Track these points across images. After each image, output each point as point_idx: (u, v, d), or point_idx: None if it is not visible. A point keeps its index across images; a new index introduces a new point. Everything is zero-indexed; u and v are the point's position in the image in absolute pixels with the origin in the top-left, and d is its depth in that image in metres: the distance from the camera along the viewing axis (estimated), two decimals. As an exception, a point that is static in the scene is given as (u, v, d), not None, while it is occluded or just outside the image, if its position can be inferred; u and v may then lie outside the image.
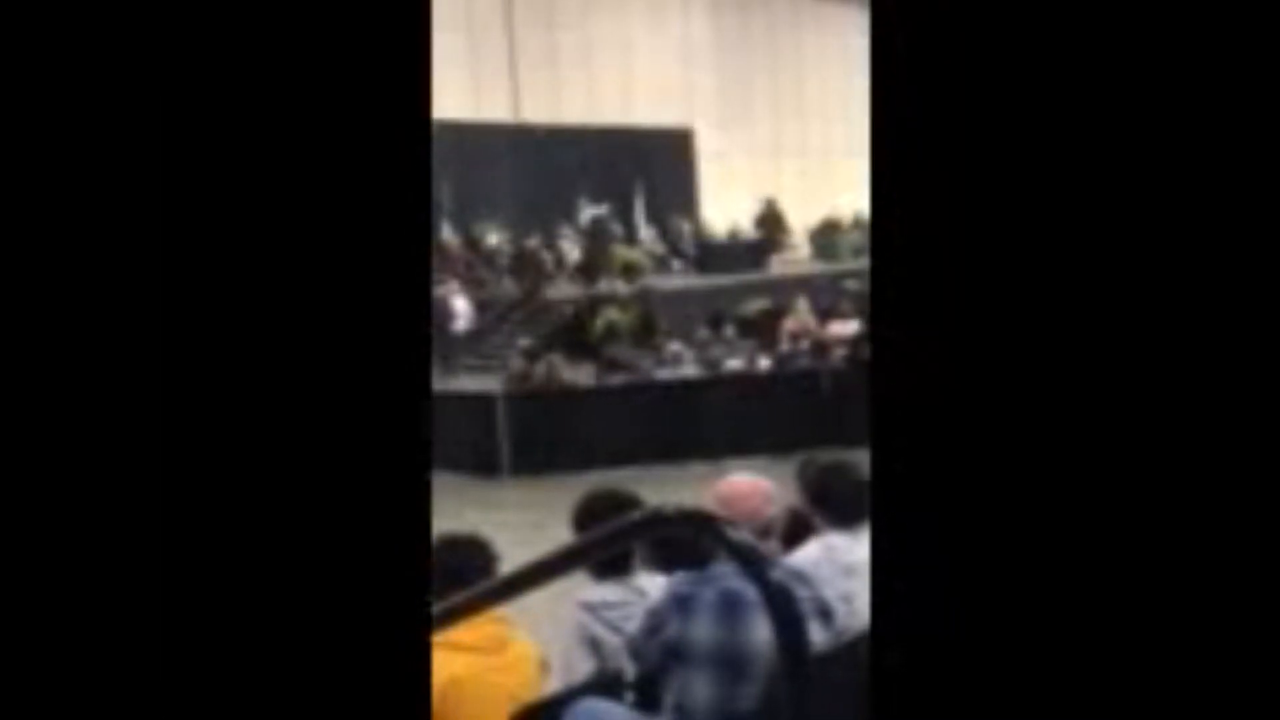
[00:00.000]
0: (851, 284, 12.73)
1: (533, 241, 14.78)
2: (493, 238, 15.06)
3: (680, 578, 2.44)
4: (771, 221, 15.76)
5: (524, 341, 11.51)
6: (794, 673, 1.72)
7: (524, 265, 14.06)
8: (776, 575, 1.68)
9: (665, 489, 4.19)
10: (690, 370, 10.57)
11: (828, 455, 3.30)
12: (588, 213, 15.00)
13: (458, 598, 2.31)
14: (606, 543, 1.90)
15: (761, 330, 11.79)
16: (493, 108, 15.67)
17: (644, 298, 12.92)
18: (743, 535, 1.71)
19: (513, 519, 7.53)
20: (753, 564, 1.67)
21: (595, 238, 14.66)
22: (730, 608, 2.26)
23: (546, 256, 14.68)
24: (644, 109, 17.03)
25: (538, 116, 16.12)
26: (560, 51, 16.47)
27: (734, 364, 10.72)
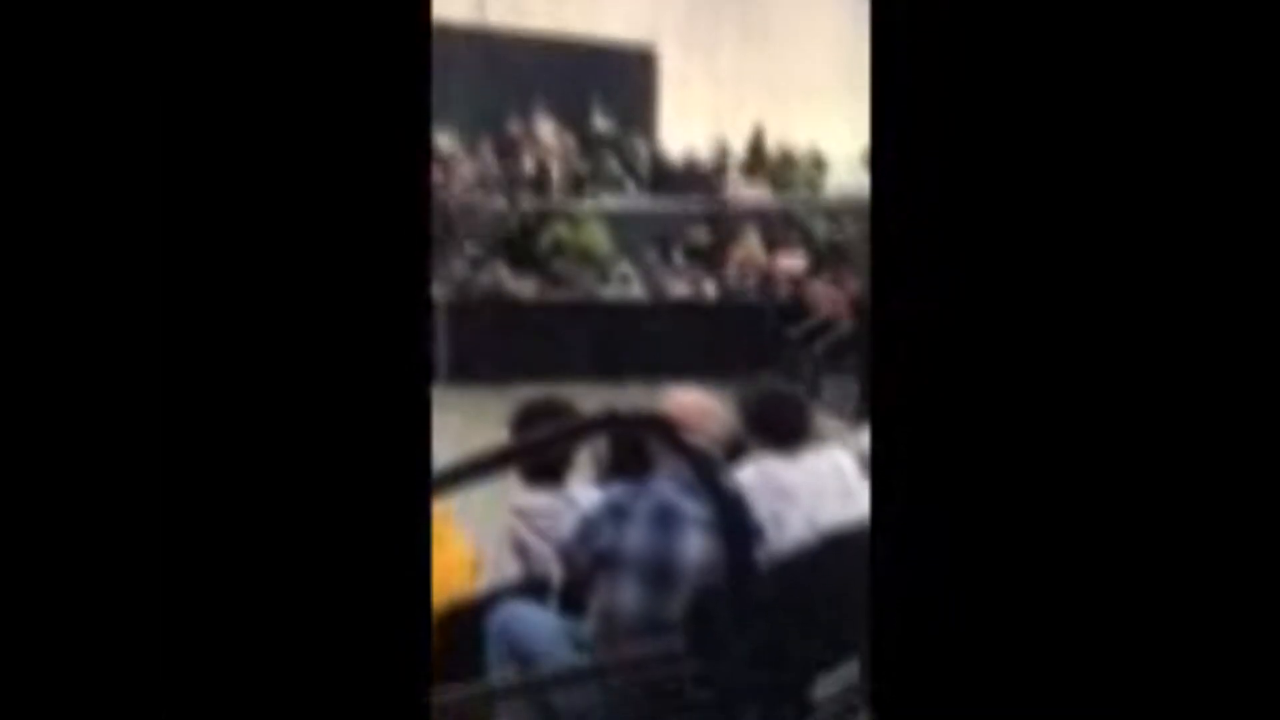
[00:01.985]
0: (801, 218, 12.75)
1: (486, 148, 14.54)
2: (445, 141, 14.80)
3: (617, 488, 2.45)
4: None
5: (470, 249, 11.39)
6: (735, 583, 1.74)
7: (475, 171, 13.86)
8: (730, 484, 1.69)
9: (602, 404, 4.19)
10: (636, 291, 10.55)
11: (766, 382, 3.33)
12: (542, 128, 14.76)
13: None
14: (561, 439, 1.90)
15: (709, 258, 11.78)
16: (454, 5, 15.29)
17: (594, 216, 12.83)
18: (698, 441, 1.71)
19: (447, 424, 7.50)
20: (708, 471, 1.68)
21: (552, 152, 14.46)
22: (666, 520, 2.28)
23: (499, 164, 14.46)
24: (610, 22, 16.73)
25: (501, 17, 15.76)
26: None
27: (680, 290, 10.72)
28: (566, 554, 2.50)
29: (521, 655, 2.49)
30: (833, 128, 16.09)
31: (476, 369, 9.15)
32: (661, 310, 10.07)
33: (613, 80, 16.45)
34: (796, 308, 9.57)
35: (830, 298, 9.34)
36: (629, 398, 8.08)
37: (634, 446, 2.39)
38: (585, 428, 2.06)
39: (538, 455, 2.48)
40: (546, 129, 14.87)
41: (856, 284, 9.98)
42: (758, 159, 15.48)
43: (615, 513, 2.36)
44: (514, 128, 15.03)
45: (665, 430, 1.79)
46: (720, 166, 15.49)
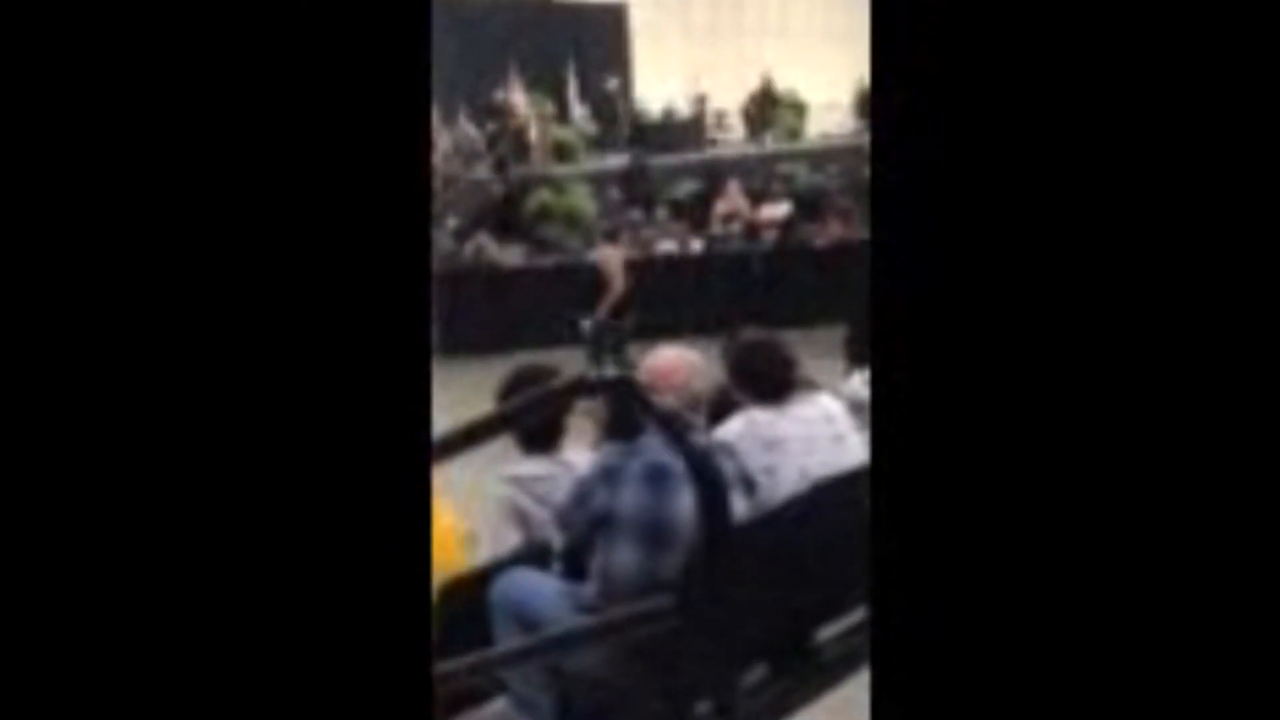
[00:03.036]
0: (783, 166, 12.69)
1: (463, 118, 14.44)
2: (421, 113, 14.67)
3: (608, 449, 2.46)
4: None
5: (452, 221, 11.34)
6: (713, 538, 1.75)
7: (454, 142, 13.77)
8: (699, 442, 1.70)
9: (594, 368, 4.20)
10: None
11: (751, 333, 3.33)
12: (517, 95, 14.63)
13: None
14: (533, 408, 1.91)
15: (693, 212, 11.74)
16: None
17: (577, 178, 12.77)
18: (667, 403, 1.72)
19: (439, 397, 7.50)
20: (676, 431, 1.69)
21: (530, 117, 14.34)
22: (656, 479, 2.29)
23: (477, 133, 14.37)
24: (578, -18, 16.59)
25: (467, -13, 15.60)
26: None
27: (666, 246, 10.69)
28: (563, 518, 2.51)
29: (526, 621, 2.51)
30: (809, 74, 16.00)
31: (466, 340, 9.15)
32: (648, 266, 10.04)
33: (586, 41, 16.32)
34: (781, 255, 9.56)
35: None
36: (621, 358, 8.09)
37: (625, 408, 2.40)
38: (553, 395, 2.07)
39: (511, 426, 2.48)
40: (522, 95, 14.75)
41: (839, 227, 9.96)
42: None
43: (608, 475, 2.36)
44: (490, 95, 14.93)
45: (632, 393, 1.80)
46: (699, 120, 15.40)
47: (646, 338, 8.24)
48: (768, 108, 15.24)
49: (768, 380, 2.92)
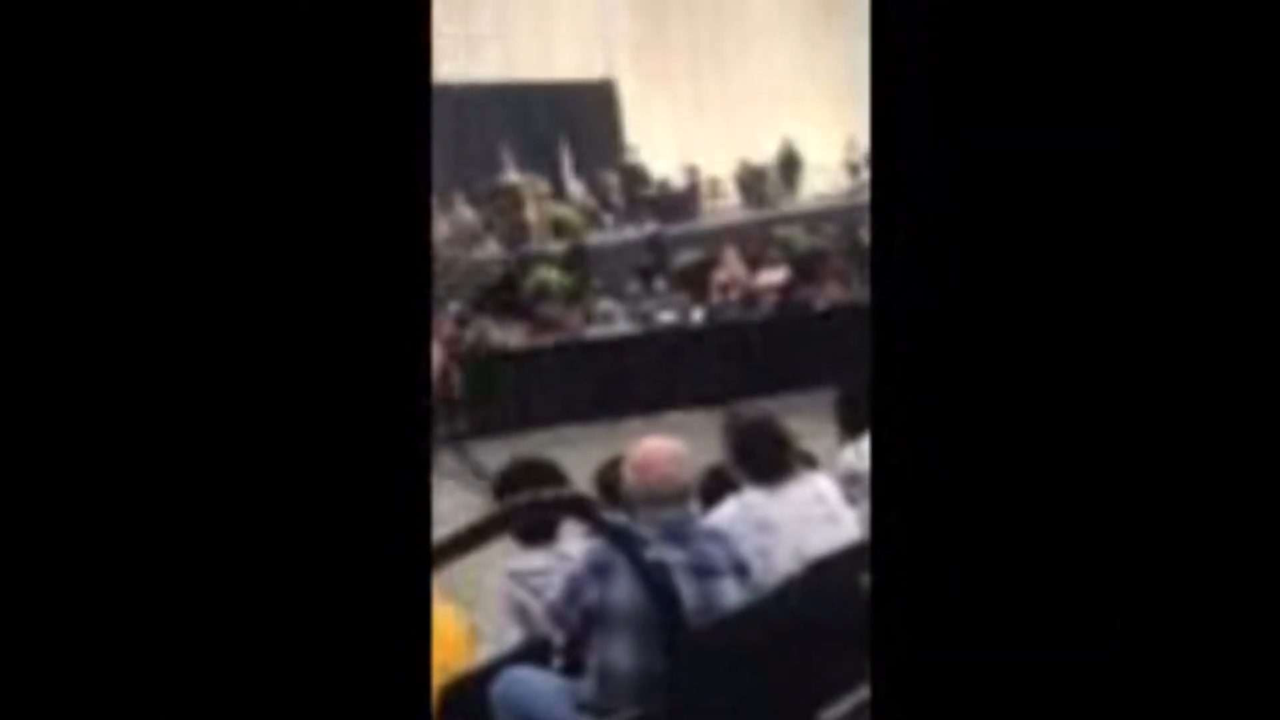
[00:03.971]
0: (778, 230, 12.78)
1: (459, 202, 14.59)
2: (418, 200, 14.83)
3: (598, 544, 2.47)
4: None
5: (454, 306, 11.41)
6: (669, 644, 1.76)
7: (450, 227, 13.90)
8: (651, 553, 1.71)
9: (599, 446, 4.22)
10: (622, 326, 10.56)
11: (751, 410, 3.34)
12: (511, 175, 14.80)
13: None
14: (487, 529, 1.94)
15: (693, 282, 11.79)
16: (410, 68, 15.37)
17: (576, 254, 12.86)
18: (617, 514, 1.74)
19: (447, 484, 7.51)
20: (624, 544, 1.70)
21: (506, 199, 14.47)
22: (649, 572, 2.29)
23: (473, 217, 14.51)
24: (564, 63, 16.84)
25: (455, 77, 15.86)
26: (474, 8, 16.21)
27: (666, 317, 10.73)
28: (556, 614, 2.51)
29: (528, 720, 2.50)
30: (799, 135, 16.17)
31: (470, 424, 9.16)
32: (649, 340, 10.08)
33: (576, 118, 16.55)
34: (780, 321, 9.59)
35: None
36: (625, 433, 8.08)
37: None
38: (513, 515, 2.12)
39: (507, 527, 2.50)
40: (516, 176, 14.92)
41: (838, 290, 10.00)
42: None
43: (599, 569, 2.37)
44: (483, 178, 15.10)
45: (584, 510, 1.83)
46: (692, 189, 15.54)
47: (649, 412, 8.26)
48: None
49: (765, 461, 2.94)
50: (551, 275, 12.03)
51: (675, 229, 13.84)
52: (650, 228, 13.24)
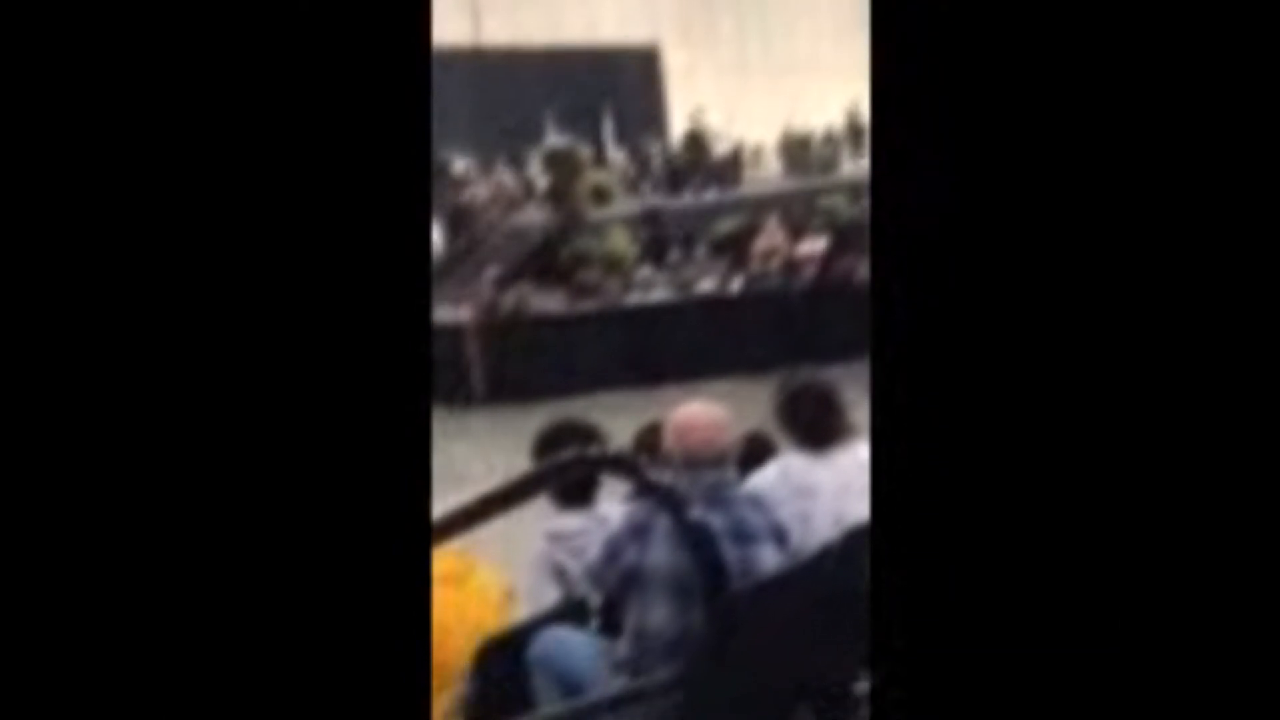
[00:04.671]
0: (821, 200, 12.68)
1: (500, 167, 14.62)
2: (458, 165, 14.88)
3: (637, 506, 2.46)
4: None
5: (493, 270, 11.44)
6: (712, 604, 1.75)
7: (491, 191, 13.92)
8: (694, 513, 1.70)
9: (636, 414, 4.21)
10: (661, 294, 10.55)
11: (804, 373, 3.31)
12: (553, 140, 14.79)
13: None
14: (529, 486, 1.94)
15: (733, 250, 11.75)
16: (453, 31, 15.36)
17: (615, 221, 12.84)
18: (664, 473, 1.73)
19: (486, 448, 7.56)
20: (669, 502, 1.69)
21: (560, 164, 14.47)
22: (687, 534, 2.29)
23: (515, 182, 14.53)
24: (607, 27, 16.76)
25: (499, 38, 15.84)
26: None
27: (706, 285, 10.71)
28: (595, 576, 2.51)
29: (565, 681, 2.51)
30: (841, 104, 16.01)
31: (510, 389, 9.20)
32: (688, 308, 10.06)
33: (619, 84, 16.49)
34: (822, 290, 9.53)
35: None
36: (663, 400, 8.08)
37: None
38: (556, 473, 2.11)
39: (544, 487, 2.50)
40: (559, 141, 14.90)
41: (881, 260, 9.91)
42: (769, 144, 15.37)
43: (637, 530, 2.37)
44: (526, 143, 15.10)
45: (629, 469, 1.81)
46: (735, 157, 15.45)
47: (687, 380, 8.25)
48: (809, 142, 15.26)
49: (812, 424, 2.92)
50: (591, 242, 12.02)
51: (714, 197, 13.78)
52: (660, 199, 13.15)
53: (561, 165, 14.43)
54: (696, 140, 15.23)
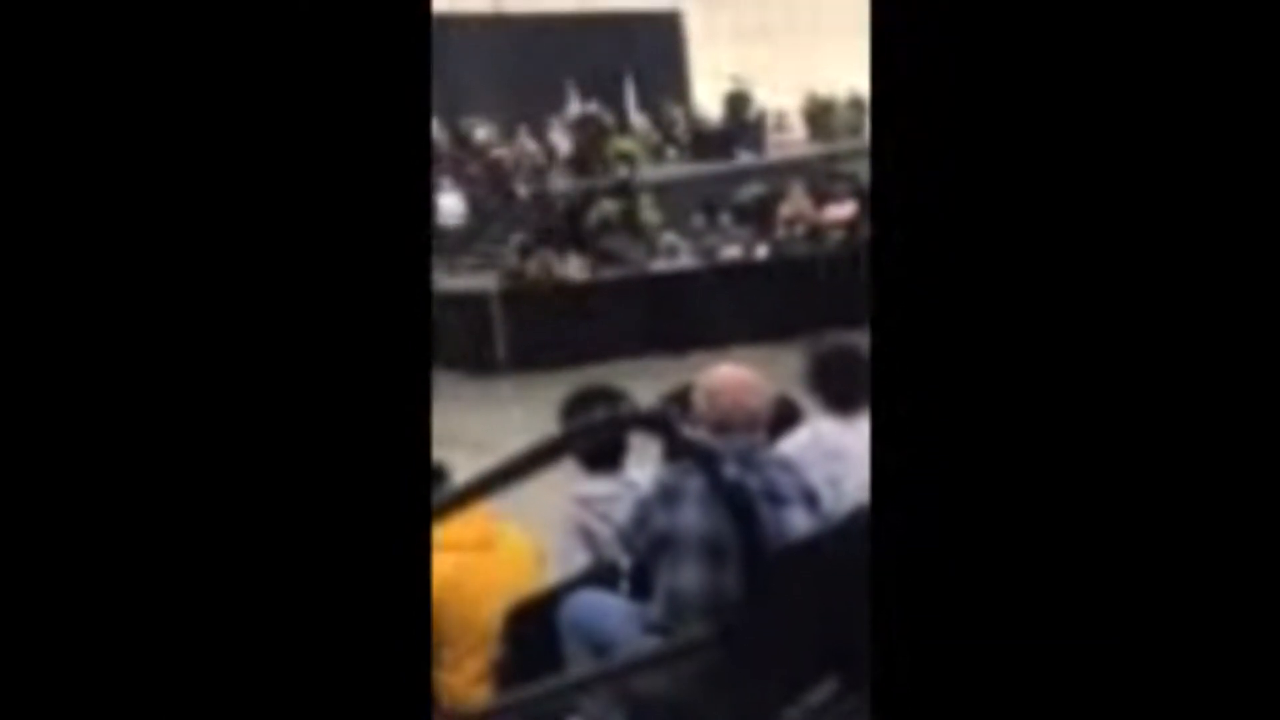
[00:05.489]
0: (846, 166, 12.58)
1: (523, 135, 14.58)
2: (481, 132, 14.85)
3: (669, 468, 2.46)
4: (750, 104, 15.39)
5: (517, 237, 11.44)
6: (746, 565, 1.75)
7: (513, 158, 13.89)
8: (730, 471, 1.70)
9: (662, 380, 4.21)
10: (686, 260, 10.52)
11: (835, 337, 3.29)
12: (575, 107, 14.72)
13: (443, 495, 2.34)
14: (561, 446, 1.93)
15: (757, 217, 11.70)
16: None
17: (639, 188, 12.79)
18: (697, 434, 1.72)
19: (511, 415, 7.58)
20: (706, 461, 1.69)
21: (586, 129, 14.43)
22: (717, 496, 2.29)
23: (537, 149, 14.50)
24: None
25: (520, 6, 15.75)
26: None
27: (730, 252, 10.67)
28: (625, 539, 2.52)
29: (596, 643, 2.52)
30: (867, 69, 15.83)
31: (537, 356, 9.22)
32: (713, 274, 10.03)
33: (640, 50, 16.37)
34: (848, 255, 9.47)
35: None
36: (689, 366, 8.08)
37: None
38: (591, 432, 2.11)
39: (571, 450, 2.50)
40: (580, 108, 14.84)
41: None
42: (792, 109, 15.24)
43: (668, 495, 2.36)
44: (547, 110, 15.04)
45: (665, 427, 1.81)
46: (758, 123, 15.34)
47: (713, 346, 8.24)
48: (833, 107, 15.14)
49: (843, 389, 2.91)
50: (613, 208, 11.99)
51: (739, 163, 13.71)
52: (684, 165, 13.07)
53: (584, 131, 14.37)
54: (739, 100, 15.13)
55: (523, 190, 13.39)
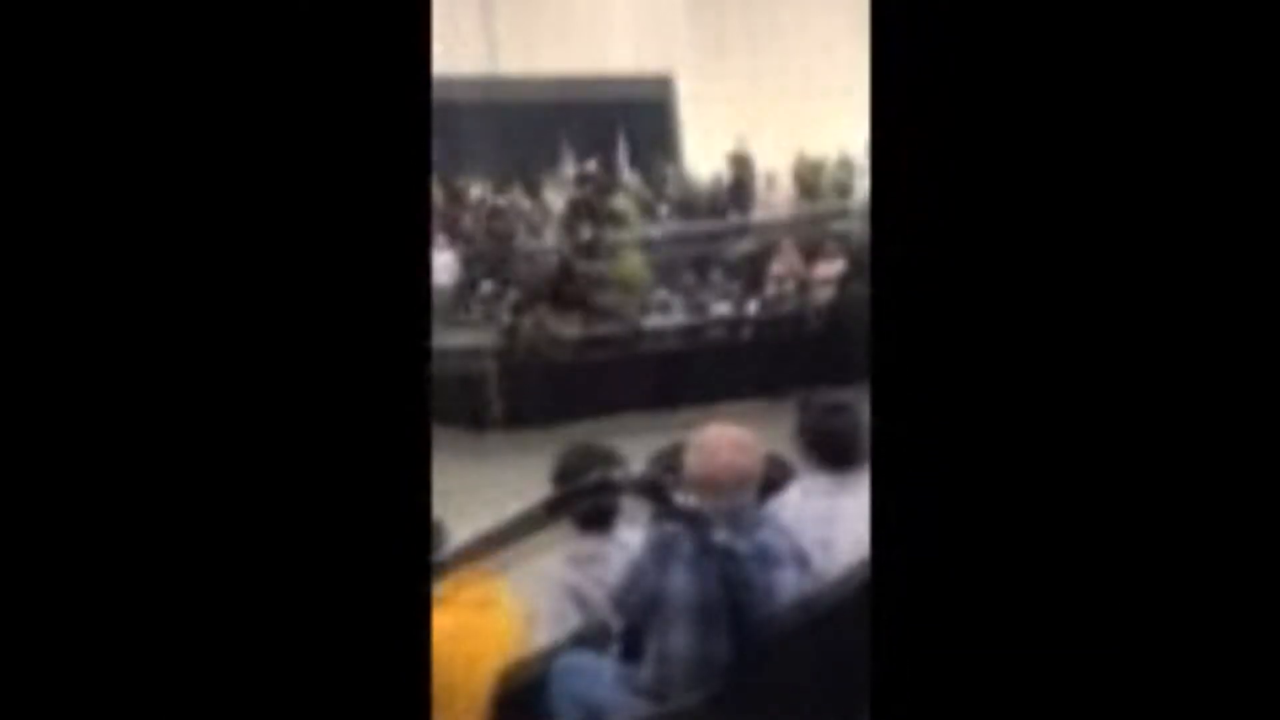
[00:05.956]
0: (835, 225, 12.68)
1: (515, 193, 14.67)
2: (475, 190, 14.95)
3: (659, 531, 2.46)
4: (740, 164, 15.62)
5: (512, 294, 11.46)
6: (736, 629, 1.75)
7: (507, 218, 13.98)
8: (718, 536, 1.71)
9: (655, 436, 4.20)
10: (678, 317, 10.56)
11: (826, 395, 3.29)
12: (569, 166, 14.84)
13: (443, 555, 2.34)
14: (551, 512, 1.95)
15: (748, 273, 11.75)
16: (470, 61, 15.48)
17: (631, 245, 12.86)
18: (689, 495, 1.74)
19: (506, 472, 7.55)
20: (692, 525, 1.70)
21: (581, 188, 14.53)
22: (710, 559, 2.28)
23: (530, 207, 14.58)
24: (621, 56, 16.85)
25: (514, 68, 15.94)
26: (534, 4, 16.27)
27: (722, 308, 10.70)
28: (617, 600, 2.51)
29: (587, 707, 2.50)
30: (855, 130, 16.00)
31: (531, 413, 9.21)
32: (705, 330, 10.06)
33: (632, 111, 16.55)
34: (838, 312, 9.51)
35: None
36: (682, 422, 8.06)
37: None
38: (582, 496, 2.12)
39: (563, 513, 2.50)
40: (573, 167, 14.95)
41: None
42: (783, 168, 15.42)
43: (659, 556, 2.37)
44: (541, 170, 15.16)
45: (655, 492, 1.82)
46: (749, 182, 15.47)
47: (706, 402, 8.23)
48: (822, 167, 15.30)
49: (835, 448, 2.91)
50: (606, 266, 12.03)
51: (730, 220, 13.80)
52: (675, 223, 13.17)
53: (580, 189, 14.47)
54: (740, 161, 15.30)
55: (516, 247, 13.45)
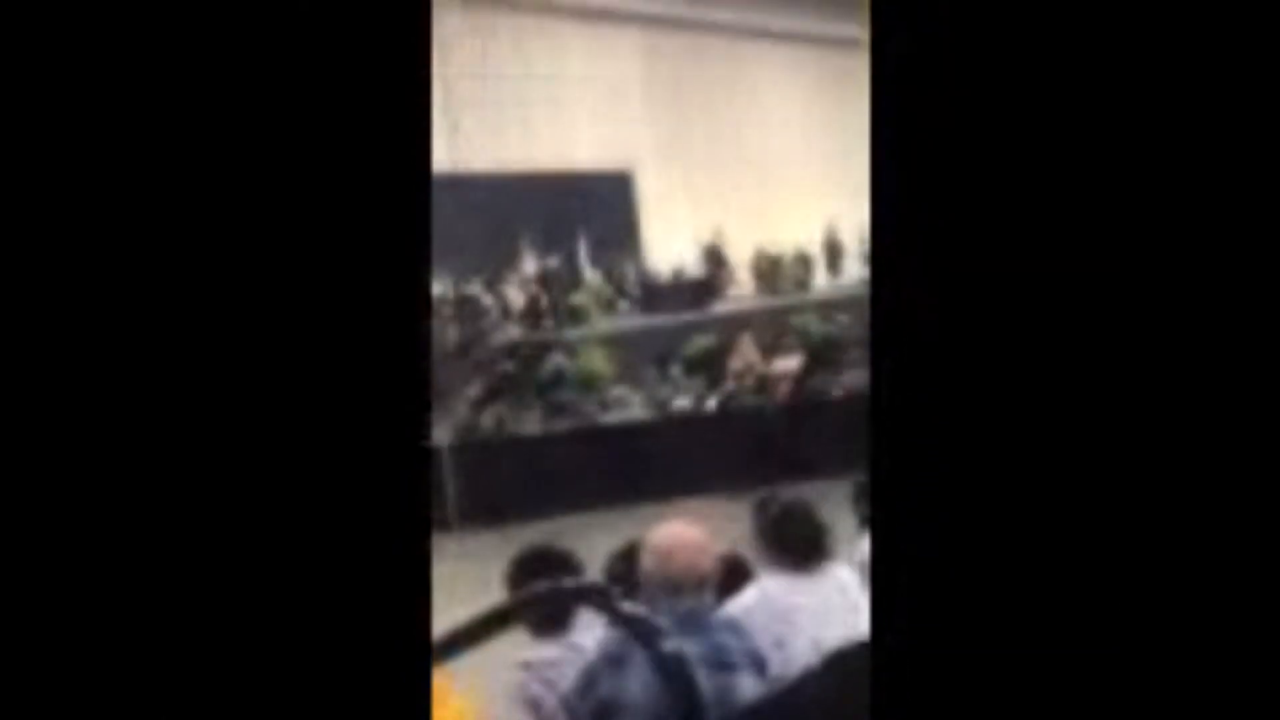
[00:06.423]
0: (794, 319, 12.82)
1: (476, 288, 14.74)
2: (436, 287, 15.01)
3: (612, 635, 2.42)
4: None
5: (471, 390, 11.43)
6: None
7: (468, 313, 14.03)
8: (670, 643, 1.68)
9: (613, 533, 4.17)
10: (637, 412, 10.56)
11: (785, 493, 3.29)
12: (530, 263, 14.96)
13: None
14: (502, 618, 1.91)
15: (707, 368, 11.81)
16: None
17: (590, 341, 12.92)
18: (634, 606, 1.72)
19: (460, 571, 7.43)
20: (642, 635, 1.68)
21: (541, 284, 14.65)
22: (664, 664, 2.24)
23: (491, 303, 14.64)
24: (583, 151, 17.13)
25: (475, 163, 16.14)
26: (493, 98, 16.55)
27: (681, 404, 10.72)
28: (569, 707, 2.45)
29: (539, 818, 2.43)
30: (813, 223, 16.32)
31: (487, 510, 9.11)
32: (664, 426, 10.06)
33: (593, 206, 16.78)
34: (796, 407, 9.57)
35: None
36: (641, 518, 8.00)
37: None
38: (530, 603, 2.10)
39: (517, 620, 2.46)
40: (534, 263, 15.07)
41: (854, 376, 9.98)
42: (742, 264, 15.65)
43: (614, 661, 2.32)
44: (501, 266, 15.27)
45: (602, 600, 1.81)
46: (710, 278, 15.66)
47: (665, 498, 8.20)
48: (780, 261, 15.57)
49: (795, 546, 2.90)
50: (566, 361, 12.06)
51: (689, 316, 13.92)
52: (635, 319, 13.32)
53: (538, 286, 14.57)
54: (715, 254, 15.54)
55: (475, 342, 13.47)
